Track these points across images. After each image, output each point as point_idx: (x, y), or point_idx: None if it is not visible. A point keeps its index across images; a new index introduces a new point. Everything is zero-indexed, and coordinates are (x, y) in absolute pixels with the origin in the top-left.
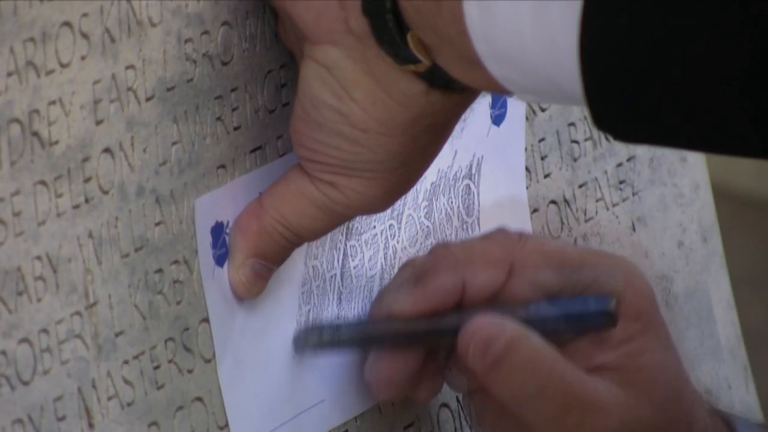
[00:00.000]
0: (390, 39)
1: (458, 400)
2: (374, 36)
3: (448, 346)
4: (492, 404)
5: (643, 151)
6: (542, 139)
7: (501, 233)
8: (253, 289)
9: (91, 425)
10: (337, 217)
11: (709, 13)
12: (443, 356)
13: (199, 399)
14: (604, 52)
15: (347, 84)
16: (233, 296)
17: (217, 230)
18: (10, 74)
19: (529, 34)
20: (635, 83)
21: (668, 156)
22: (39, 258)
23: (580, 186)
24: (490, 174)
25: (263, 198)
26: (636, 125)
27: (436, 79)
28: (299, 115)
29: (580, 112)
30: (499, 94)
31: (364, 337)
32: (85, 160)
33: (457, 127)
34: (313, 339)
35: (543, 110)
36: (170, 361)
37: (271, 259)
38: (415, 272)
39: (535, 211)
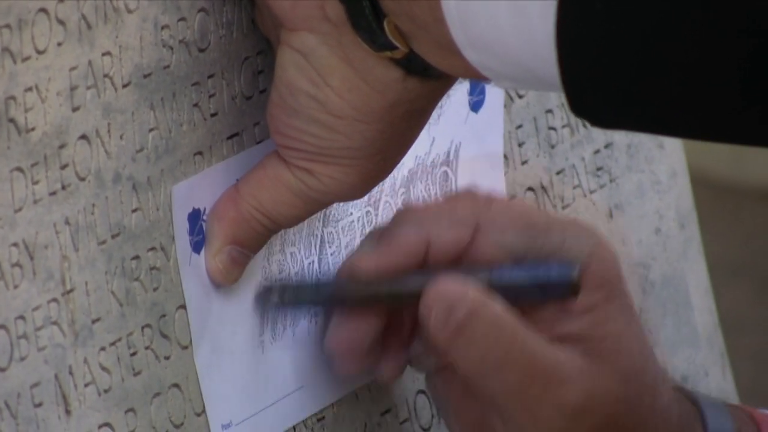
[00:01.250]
0: (366, 25)
1: None
2: (350, 22)
3: (411, 312)
4: (455, 384)
5: (620, 137)
6: (519, 126)
7: (468, 193)
8: (230, 275)
9: (68, 412)
10: (314, 204)
11: None
12: (407, 330)
13: (176, 385)
14: (581, 38)
15: (323, 71)
16: (210, 283)
17: (194, 217)
18: None
19: (506, 21)
20: (611, 69)
21: (645, 143)
22: (16, 245)
23: (558, 173)
24: (468, 160)
25: (240, 185)
26: (613, 111)
27: (413, 65)
28: (276, 102)
29: (557, 99)
30: (477, 81)
31: (326, 298)
32: (62, 146)
33: (434, 114)
34: (275, 298)
35: (520, 97)
36: (147, 348)
37: (248, 245)
38: (378, 233)
39: (512, 197)
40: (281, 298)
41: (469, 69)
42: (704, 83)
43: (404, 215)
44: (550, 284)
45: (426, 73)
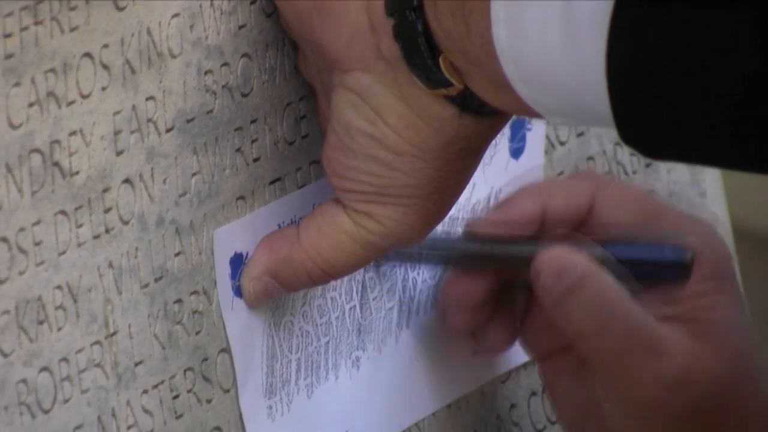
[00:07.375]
0: (421, 63)
1: None
2: (405, 60)
3: (522, 279)
4: (565, 371)
5: (661, 185)
6: (561, 173)
7: (587, 172)
8: (258, 302)
9: None
10: (372, 250)
11: (737, 28)
12: (517, 308)
13: (217, 429)
14: (631, 69)
15: (380, 109)
16: (253, 326)
17: (236, 261)
18: (31, 105)
19: (558, 55)
20: (662, 99)
21: (687, 190)
22: (59, 287)
23: None
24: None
25: (301, 232)
26: (663, 141)
27: (468, 103)
28: (333, 144)
29: (598, 145)
30: (519, 127)
31: (442, 255)
32: (106, 190)
33: None
34: (393, 252)
35: (562, 144)
36: (189, 391)
37: (286, 286)
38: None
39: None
40: (399, 253)
41: (522, 105)
42: (756, 116)
43: (523, 189)
44: (663, 265)
45: (480, 111)
